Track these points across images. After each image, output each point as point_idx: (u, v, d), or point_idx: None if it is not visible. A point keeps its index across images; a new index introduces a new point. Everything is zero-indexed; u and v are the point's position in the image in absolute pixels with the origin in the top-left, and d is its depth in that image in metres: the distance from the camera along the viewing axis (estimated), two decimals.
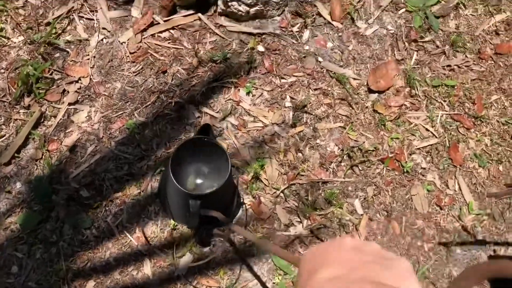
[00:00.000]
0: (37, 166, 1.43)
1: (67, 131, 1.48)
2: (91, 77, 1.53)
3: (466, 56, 1.77)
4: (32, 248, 1.36)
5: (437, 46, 1.76)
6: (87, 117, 1.50)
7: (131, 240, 1.40)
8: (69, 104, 1.49)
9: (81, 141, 1.47)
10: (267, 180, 1.52)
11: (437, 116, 1.68)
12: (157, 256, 1.40)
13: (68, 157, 1.45)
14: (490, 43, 1.81)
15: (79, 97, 1.51)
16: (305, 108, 1.61)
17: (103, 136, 1.49)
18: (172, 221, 1.42)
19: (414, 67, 1.73)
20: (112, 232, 1.40)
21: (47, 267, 1.35)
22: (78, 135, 1.47)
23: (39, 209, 1.39)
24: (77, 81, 1.52)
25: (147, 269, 1.39)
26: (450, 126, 1.67)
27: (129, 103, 1.53)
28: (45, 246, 1.36)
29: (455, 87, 1.73)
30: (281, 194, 1.52)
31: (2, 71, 1.49)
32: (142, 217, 1.43)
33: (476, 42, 1.80)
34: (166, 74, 1.57)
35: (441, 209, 1.59)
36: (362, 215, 1.53)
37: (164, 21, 1.61)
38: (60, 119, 1.48)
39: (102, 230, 1.40)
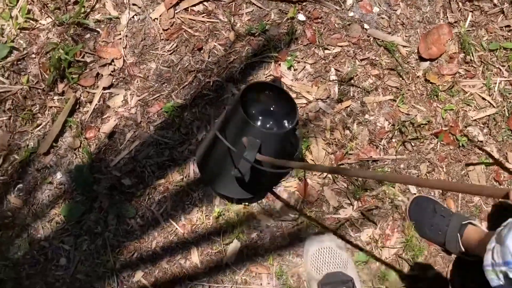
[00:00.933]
0: (76, 155, 1.39)
1: (104, 117, 1.41)
2: (125, 58, 1.44)
3: None
4: (78, 240, 1.34)
5: (495, 5, 1.59)
6: (124, 102, 1.43)
7: (177, 228, 1.36)
8: (104, 88, 1.42)
9: (119, 127, 1.41)
10: (313, 161, 1.44)
11: (495, 83, 1.55)
12: (204, 244, 1.36)
13: (107, 145, 1.40)
14: None
15: (113, 80, 1.44)
16: (352, 81, 1.50)
17: (141, 121, 1.42)
18: (217, 209, 1.37)
19: (469, 30, 1.58)
20: (157, 220, 1.36)
21: (95, 258, 1.33)
22: (116, 121, 1.41)
23: (82, 200, 1.35)
24: (110, 64, 1.43)
25: (195, 257, 1.35)
26: (510, 93, 1.54)
27: (166, 84, 1.45)
28: (91, 238, 1.34)
29: None
30: (329, 175, 1.44)
31: (33, 56, 1.42)
32: (187, 204, 1.38)
33: None
34: (202, 52, 1.47)
35: (500, 184, 1.49)
36: (415, 194, 1.45)
37: None
38: (96, 104, 1.41)
39: (147, 219, 1.36)
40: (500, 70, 1.56)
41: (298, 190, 1.42)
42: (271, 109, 1.37)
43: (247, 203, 1.39)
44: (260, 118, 1.39)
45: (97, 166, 1.38)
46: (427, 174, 1.47)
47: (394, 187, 1.44)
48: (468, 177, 1.48)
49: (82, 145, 1.39)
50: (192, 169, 1.40)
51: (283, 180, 1.43)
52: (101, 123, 1.41)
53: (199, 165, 1.37)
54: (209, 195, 1.39)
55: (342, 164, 1.45)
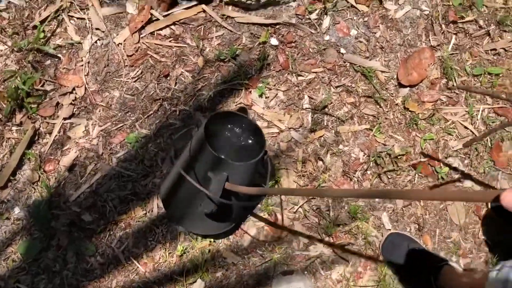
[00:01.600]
0: (34, 189, 1.33)
1: (64, 148, 1.35)
2: (86, 86, 1.38)
3: None
4: (35, 279, 1.28)
5: (480, 27, 1.51)
6: (85, 132, 1.37)
7: (138, 267, 1.31)
8: (64, 118, 1.36)
9: (79, 159, 1.35)
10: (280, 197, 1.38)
11: (478, 111, 1.47)
12: (167, 283, 1.30)
13: (67, 178, 1.34)
14: None
15: (74, 109, 1.37)
16: (326, 109, 1.43)
17: (103, 153, 1.36)
18: (180, 247, 1.31)
19: (452, 54, 1.49)
20: (118, 258, 1.31)
21: None
22: (76, 153, 1.35)
23: (40, 237, 1.30)
24: (71, 92, 1.37)
25: None
26: (493, 122, 1.46)
27: (130, 113, 1.38)
28: (49, 276, 1.29)
29: (500, 75, 1.49)
30: (300, 210, 1.38)
31: None
32: (150, 240, 1.33)
33: None
34: (168, 78, 1.41)
35: (480, 219, 1.42)
36: (389, 230, 1.38)
37: (164, 16, 1.42)
38: (56, 135, 1.35)
39: (107, 256, 1.31)
40: (484, 97, 1.48)
41: (267, 225, 1.36)
42: (239, 138, 1.30)
43: (213, 240, 1.33)
44: (227, 148, 1.33)
45: (56, 201, 1.32)
46: (403, 208, 1.40)
47: (368, 222, 1.38)
48: (447, 211, 1.41)
49: (41, 178, 1.33)
50: (155, 204, 1.34)
51: (253, 213, 1.37)
52: (61, 155, 1.35)
53: (164, 201, 1.30)
54: (173, 231, 1.33)
55: (314, 197, 1.38)
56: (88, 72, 1.39)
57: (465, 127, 1.46)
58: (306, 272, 1.34)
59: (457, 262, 1.37)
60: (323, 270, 1.35)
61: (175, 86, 1.40)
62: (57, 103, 1.36)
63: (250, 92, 1.42)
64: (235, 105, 1.41)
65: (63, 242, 1.30)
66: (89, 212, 1.32)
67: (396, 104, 1.46)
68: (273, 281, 1.31)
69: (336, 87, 1.45)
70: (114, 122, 1.37)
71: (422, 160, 1.43)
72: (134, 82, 1.40)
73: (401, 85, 1.46)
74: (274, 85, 1.43)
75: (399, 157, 1.42)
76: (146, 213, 1.34)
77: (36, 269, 1.29)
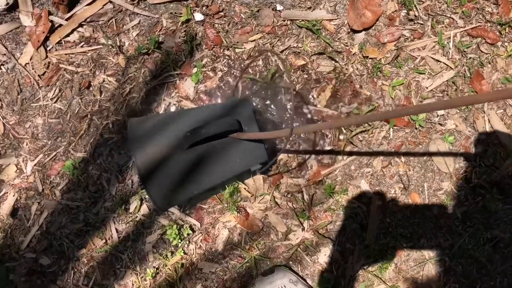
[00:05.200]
0: None
1: (0, 194, 1.23)
2: (3, 121, 1.23)
3: None
4: None
5: None
6: (18, 171, 1.23)
7: None
8: None
9: (20, 202, 1.23)
10: (248, 191, 1.24)
11: (449, 38, 1.27)
12: None
13: (12, 225, 1.23)
14: None
15: None
16: (277, 80, 1.25)
17: (43, 189, 1.23)
18: (150, 271, 1.20)
19: None
20: None
21: None
22: (15, 196, 1.23)
23: None
24: None
25: None
26: (468, 47, 1.26)
27: (60, 138, 1.24)
28: None
29: None
30: (270, 199, 1.24)
31: None
32: (118, 268, 1.23)
33: None
34: (91, 89, 1.24)
35: (470, 161, 1.27)
36: (371, 197, 1.25)
37: (66, 19, 1.22)
38: None
39: None
40: (453, 19, 1.27)
41: (239, 223, 1.24)
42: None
43: (183, 252, 1.22)
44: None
45: (7, 253, 1.22)
46: (382, 169, 1.25)
47: (347, 194, 1.24)
48: (433, 161, 1.26)
49: None
50: (114, 229, 1.23)
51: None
52: None
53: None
54: (140, 252, 1.23)
55: (282, 183, 1.24)
56: (2, 104, 1.23)
57: (437, 61, 1.27)
58: (291, 262, 1.23)
59: (454, 213, 1.24)
60: (308, 256, 1.23)
61: (100, 96, 1.24)
62: None
63: (185, 80, 1.25)
64: (172, 99, 1.24)
65: None
66: (46, 254, 1.22)
67: (354, 54, 1.26)
68: (256, 285, 1.21)
69: (281, 52, 1.26)
70: (46, 153, 1.23)
71: None
72: (54, 103, 1.23)
73: (355, 31, 1.26)
74: (211, 67, 1.25)
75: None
76: (106, 241, 1.23)
77: None
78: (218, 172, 1.08)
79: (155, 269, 1.21)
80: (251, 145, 1.08)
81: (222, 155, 1.07)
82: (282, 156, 1.25)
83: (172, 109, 1.24)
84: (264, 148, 1.09)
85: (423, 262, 1.22)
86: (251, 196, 1.22)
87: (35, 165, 1.23)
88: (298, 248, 1.23)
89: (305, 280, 1.22)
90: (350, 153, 1.25)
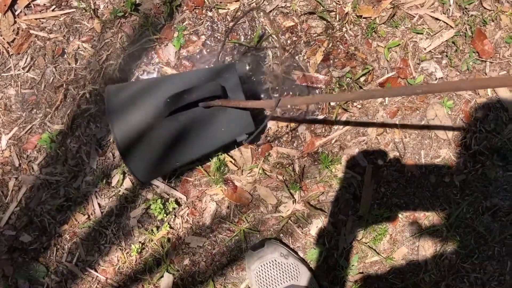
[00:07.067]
0: None
1: None
2: None
3: None
4: None
5: None
6: None
7: (97, 276, 1.18)
8: None
9: None
10: (235, 165, 1.18)
11: None
12: (133, 285, 1.18)
13: None
14: None
15: None
16: (264, 44, 1.17)
17: (20, 163, 1.17)
18: (135, 245, 1.16)
19: None
20: (73, 272, 1.18)
21: None
22: None
23: None
24: None
25: None
26: (470, 3, 1.17)
27: (35, 110, 1.16)
28: None
29: None
30: (259, 171, 1.18)
31: None
32: (102, 244, 1.18)
33: None
34: (65, 57, 1.15)
35: (470, 126, 1.20)
36: (365, 166, 1.19)
37: None
38: None
39: (62, 273, 1.18)
40: None
41: (227, 196, 1.19)
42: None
43: (169, 226, 1.17)
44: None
45: None
46: (377, 137, 1.19)
47: (340, 163, 1.18)
48: (430, 127, 1.19)
49: None
50: (96, 204, 1.17)
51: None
52: None
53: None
54: (124, 227, 1.18)
55: (270, 154, 1.18)
56: None
57: (437, 19, 1.18)
58: (281, 235, 1.19)
59: (452, 181, 1.18)
60: (299, 228, 1.19)
61: (76, 64, 1.16)
62: None
63: (166, 45, 1.17)
64: (153, 66, 1.17)
65: (8, 271, 1.17)
66: (26, 231, 1.18)
67: (346, 14, 1.17)
68: (245, 260, 1.16)
69: (269, 12, 1.17)
70: (21, 126, 1.17)
71: (391, 75, 1.18)
72: (27, 72, 1.16)
73: None
74: (193, 30, 1.16)
75: (363, 77, 1.17)
76: (89, 217, 1.18)
77: None
78: (202, 143, 1.02)
79: (140, 244, 1.17)
80: (237, 113, 1.01)
81: (206, 124, 1.00)
82: (271, 125, 1.18)
83: (153, 76, 1.16)
84: (250, 117, 1.02)
85: (419, 232, 1.17)
86: (238, 169, 1.16)
87: (9, 138, 1.16)
88: (289, 220, 1.18)
89: (296, 253, 1.18)
90: (346, 122, 1.18)
